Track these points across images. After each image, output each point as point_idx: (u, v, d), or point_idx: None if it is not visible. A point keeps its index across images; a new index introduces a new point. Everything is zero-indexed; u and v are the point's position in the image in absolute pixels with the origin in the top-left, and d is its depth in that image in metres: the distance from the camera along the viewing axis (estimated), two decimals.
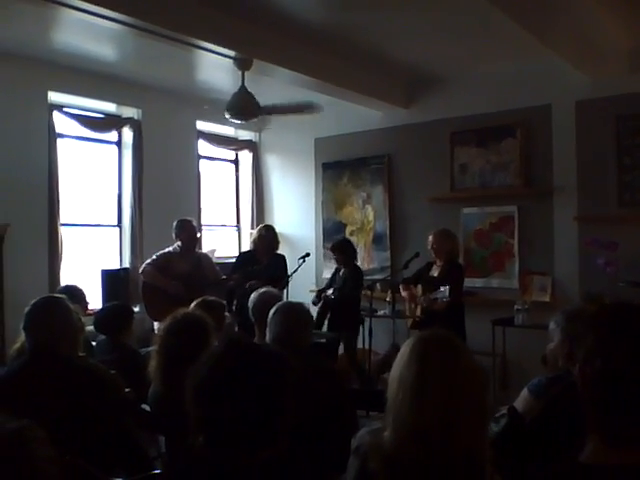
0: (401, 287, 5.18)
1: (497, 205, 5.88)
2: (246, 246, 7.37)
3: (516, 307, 5.22)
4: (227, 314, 5.43)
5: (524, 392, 2.36)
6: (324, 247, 7.01)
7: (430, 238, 5.01)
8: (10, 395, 2.32)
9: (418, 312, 4.91)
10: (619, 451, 1.07)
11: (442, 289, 4.52)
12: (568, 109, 5.47)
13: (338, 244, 5.84)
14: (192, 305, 3.41)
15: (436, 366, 1.47)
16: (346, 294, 5.48)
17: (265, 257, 5.58)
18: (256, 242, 5.71)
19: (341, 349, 5.49)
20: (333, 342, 5.27)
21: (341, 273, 5.67)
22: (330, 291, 5.59)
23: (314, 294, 5.85)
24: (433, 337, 1.56)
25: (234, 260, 6.05)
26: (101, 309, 4.10)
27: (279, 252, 5.73)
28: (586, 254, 5.26)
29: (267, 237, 5.67)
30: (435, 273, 4.97)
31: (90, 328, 3.60)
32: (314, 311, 5.44)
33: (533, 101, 5.63)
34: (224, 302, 3.78)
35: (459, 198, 6.09)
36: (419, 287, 4.99)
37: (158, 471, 2.17)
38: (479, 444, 1.44)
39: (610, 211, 5.27)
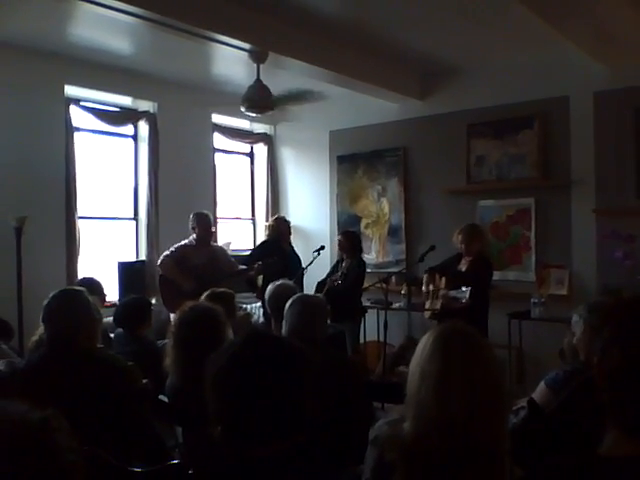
0: (425, 276, 5.07)
1: (514, 197, 5.83)
2: (261, 238, 7.40)
3: (533, 300, 5.19)
4: (247, 306, 5.52)
5: (541, 386, 2.35)
6: None
7: (458, 236, 4.86)
8: (30, 386, 2.35)
9: (438, 305, 4.85)
10: (638, 442, 1.06)
11: (464, 289, 4.47)
12: (586, 100, 5.41)
13: (348, 231, 5.97)
14: (202, 297, 3.43)
15: (459, 359, 1.48)
16: (351, 283, 5.44)
17: (288, 245, 5.74)
18: (280, 229, 5.82)
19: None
20: (340, 334, 5.30)
21: (344, 264, 5.66)
22: (334, 277, 5.54)
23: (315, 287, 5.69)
24: (453, 330, 1.57)
25: (255, 248, 6.21)
26: (120, 303, 4.13)
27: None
28: (604, 247, 5.21)
29: (287, 225, 5.96)
30: (464, 268, 4.86)
31: (108, 320, 3.64)
32: None
33: (551, 92, 5.57)
34: (234, 293, 3.79)
35: (475, 190, 6.05)
36: (443, 280, 4.90)
37: (176, 461, 2.19)
38: (499, 436, 1.44)
39: (628, 203, 5.22)
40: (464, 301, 4.45)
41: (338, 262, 5.79)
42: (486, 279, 4.82)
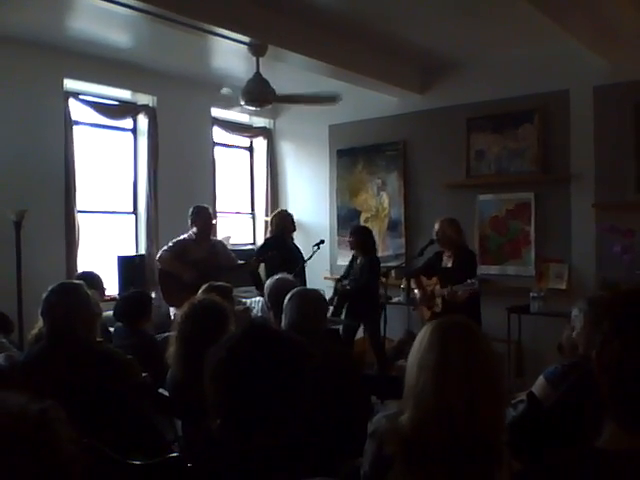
0: (412, 281, 5.11)
1: (513, 192, 5.83)
2: (260, 233, 7.40)
3: (532, 294, 5.19)
4: (246, 301, 5.51)
5: (540, 380, 2.36)
6: (338, 234, 7.01)
7: (436, 226, 4.94)
8: (29, 380, 2.35)
9: (439, 304, 4.82)
10: (636, 436, 1.07)
11: (470, 281, 4.47)
12: (586, 95, 5.40)
13: (357, 229, 5.82)
14: (200, 291, 3.41)
15: (457, 350, 1.48)
16: (362, 283, 5.36)
17: (290, 239, 5.75)
18: (283, 224, 5.81)
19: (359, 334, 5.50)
20: (351, 329, 5.29)
21: (358, 262, 5.53)
22: (346, 282, 5.52)
23: (333, 284, 5.70)
24: (451, 322, 1.58)
25: (259, 248, 6.15)
26: (120, 297, 4.13)
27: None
28: (603, 241, 5.21)
29: (290, 219, 5.90)
30: (448, 264, 4.87)
31: (107, 314, 3.64)
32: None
33: (551, 86, 5.55)
34: (231, 287, 3.78)
35: (475, 185, 6.04)
36: (434, 280, 4.89)
37: (175, 454, 2.19)
38: (497, 427, 1.45)
39: (627, 198, 5.21)
40: (475, 287, 4.47)
41: (353, 260, 5.64)
42: (475, 270, 4.87)
